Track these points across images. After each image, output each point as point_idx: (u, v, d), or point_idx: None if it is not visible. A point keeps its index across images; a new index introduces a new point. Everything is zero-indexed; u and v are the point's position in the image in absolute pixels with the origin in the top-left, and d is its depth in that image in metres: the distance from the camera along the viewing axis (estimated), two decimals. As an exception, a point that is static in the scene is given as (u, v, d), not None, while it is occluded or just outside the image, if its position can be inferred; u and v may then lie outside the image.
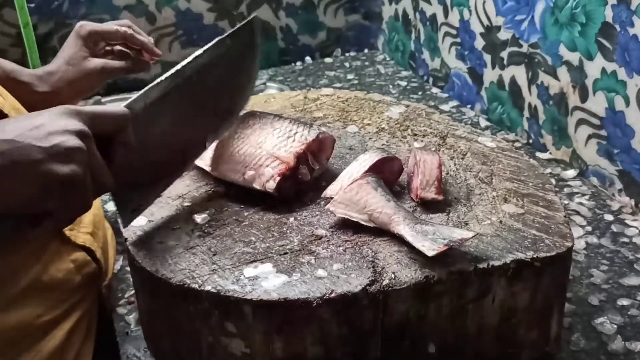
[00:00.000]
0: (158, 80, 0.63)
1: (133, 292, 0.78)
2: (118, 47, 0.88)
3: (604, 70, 1.00)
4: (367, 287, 0.58)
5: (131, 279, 0.80)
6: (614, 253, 0.90)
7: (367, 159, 0.71)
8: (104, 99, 1.38)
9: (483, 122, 1.31)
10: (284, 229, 0.67)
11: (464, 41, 1.37)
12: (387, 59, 1.72)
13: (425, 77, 1.56)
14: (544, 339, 0.68)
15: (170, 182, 0.71)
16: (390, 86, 1.53)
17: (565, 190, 1.06)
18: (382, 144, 0.85)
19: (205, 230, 0.67)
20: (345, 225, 0.66)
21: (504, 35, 1.23)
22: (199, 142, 0.73)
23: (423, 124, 0.90)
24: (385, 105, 0.96)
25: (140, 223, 0.69)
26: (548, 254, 0.62)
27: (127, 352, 0.73)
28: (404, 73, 1.61)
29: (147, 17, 1.59)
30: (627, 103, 0.97)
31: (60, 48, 0.86)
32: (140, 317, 0.75)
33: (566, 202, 1.02)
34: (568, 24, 1.06)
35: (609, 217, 0.98)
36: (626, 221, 0.97)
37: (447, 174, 0.77)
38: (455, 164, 0.79)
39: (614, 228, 0.95)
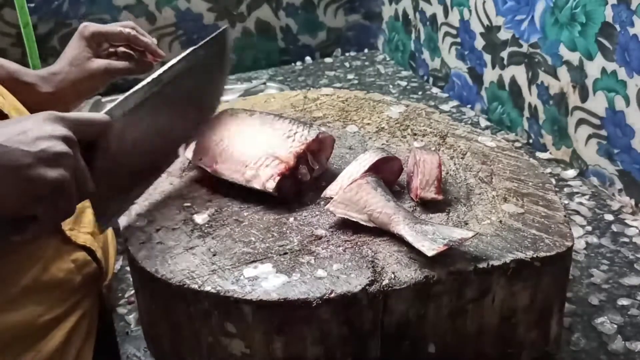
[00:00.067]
0: (136, 87, 0.65)
1: (133, 292, 0.78)
2: (121, 49, 0.88)
3: (604, 70, 1.00)
4: (367, 287, 0.58)
5: (131, 279, 0.80)
6: (614, 253, 0.90)
7: (367, 159, 0.71)
8: (104, 99, 1.38)
9: (483, 122, 1.31)
10: (284, 229, 0.67)
11: (464, 41, 1.37)
12: (387, 58, 1.72)
13: (425, 77, 1.56)
14: (544, 339, 0.67)
15: (144, 188, 0.72)
16: (390, 86, 1.53)
17: (565, 190, 1.06)
18: (382, 144, 0.85)
19: (205, 231, 0.67)
20: (345, 225, 0.66)
21: (504, 35, 1.23)
22: (172, 149, 0.74)
23: (423, 124, 0.90)
24: (385, 105, 0.96)
25: (140, 223, 0.69)
26: (548, 254, 0.62)
27: (127, 352, 0.73)
28: (404, 73, 1.61)
29: (147, 17, 1.59)
30: (627, 103, 0.97)
31: (60, 48, 0.86)
32: (140, 317, 0.75)
33: (566, 201, 1.02)
34: (568, 23, 1.06)
35: (609, 217, 0.98)
36: (626, 221, 0.97)
37: (447, 173, 0.77)
38: (455, 164, 0.79)
39: (614, 228, 0.95)
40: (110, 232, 0.85)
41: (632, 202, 1.00)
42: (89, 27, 0.85)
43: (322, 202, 0.70)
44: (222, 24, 1.66)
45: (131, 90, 0.64)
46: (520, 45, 1.19)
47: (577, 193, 1.05)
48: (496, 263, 0.61)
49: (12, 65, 0.82)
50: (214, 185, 0.75)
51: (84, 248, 0.70)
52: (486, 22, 1.27)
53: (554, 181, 1.08)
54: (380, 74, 1.61)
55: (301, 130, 0.73)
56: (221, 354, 0.62)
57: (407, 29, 1.60)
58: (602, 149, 1.04)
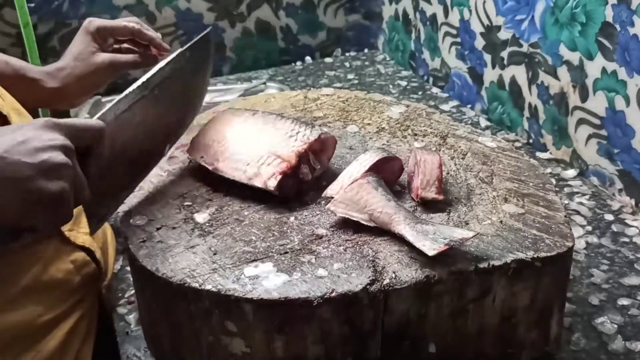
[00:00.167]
0: (126, 92, 0.65)
1: (133, 292, 0.78)
2: (126, 45, 0.88)
3: (604, 70, 1.00)
4: (368, 287, 0.58)
5: (131, 279, 0.80)
6: (614, 253, 0.90)
7: (368, 159, 0.71)
8: (104, 99, 1.38)
9: (483, 122, 1.31)
10: (285, 228, 0.67)
11: (464, 41, 1.37)
12: (387, 58, 1.72)
13: (426, 77, 1.56)
14: (544, 339, 0.68)
15: (134, 188, 0.72)
16: (391, 86, 1.53)
17: (566, 190, 1.06)
18: (383, 144, 0.85)
19: (206, 230, 0.67)
20: (346, 225, 0.66)
21: (504, 35, 1.23)
22: (158, 150, 0.75)
23: (423, 124, 0.90)
24: (386, 105, 0.96)
25: (140, 222, 0.69)
26: (548, 254, 0.62)
27: (127, 352, 0.73)
28: (404, 73, 1.61)
29: (147, 17, 1.59)
30: (628, 103, 0.97)
31: (60, 48, 0.86)
32: (140, 317, 0.75)
33: (566, 202, 1.02)
34: (568, 23, 1.06)
35: (609, 217, 0.98)
36: (626, 221, 0.97)
37: (448, 173, 0.77)
38: (455, 164, 0.79)
39: (614, 228, 0.95)
40: (110, 232, 0.85)
41: (632, 202, 1.00)
42: (93, 22, 0.85)
43: (323, 202, 0.70)
44: (222, 24, 1.66)
45: (122, 95, 0.65)
46: (521, 45, 1.19)
47: (577, 193, 1.05)
48: (497, 263, 0.61)
49: (17, 62, 0.82)
50: (214, 184, 0.75)
51: (83, 249, 0.70)
52: (486, 22, 1.27)
53: (554, 181, 1.08)
54: (381, 74, 1.61)
55: (303, 130, 0.73)
56: (221, 353, 0.62)
57: (407, 28, 1.60)
58: (602, 149, 1.04)
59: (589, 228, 0.96)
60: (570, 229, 0.67)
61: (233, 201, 0.72)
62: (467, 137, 0.86)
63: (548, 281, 0.64)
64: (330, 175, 0.74)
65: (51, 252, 0.66)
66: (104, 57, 0.84)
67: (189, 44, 0.76)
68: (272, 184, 0.69)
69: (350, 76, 1.60)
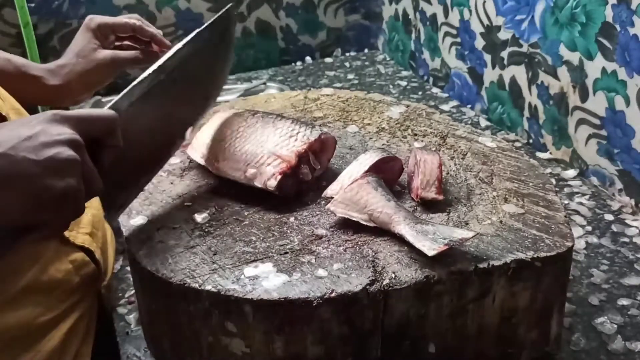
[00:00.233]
0: (141, 77, 0.62)
1: (133, 292, 0.78)
2: (127, 42, 0.88)
3: (604, 70, 1.00)
4: (368, 287, 0.58)
5: (131, 279, 0.79)
6: (614, 253, 0.90)
7: (368, 159, 0.71)
8: (104, 99, 1.38)
9: (483, 122, 1.31)
10: (285, 228, 0.67)
11: (464, 41, 1.37)
12: (387, 59, 1.72)
13: (426, 77, 1.56)
14: (544, 339, 0.67)
15: (152, 175, 0.70)
16: (391, 86, 1.53)
17: (566, 190, 1.06)
18: (383, 144, 0.85)
19: (206, 230, 0.67)
20: (346, 225, 0.66)
21: (504, 35, 1.23)
22: (178, 134, 0.73)
23: (423, 124, 0.90)
24: (386, 105, 0.96)
25: (140, 222, 0.69)
26: (548, 254, 0.62)
27: (127, 352, 0.73)
28: (404, 73, 1.61)
29: (147, 17, 1.58)
30: (627, 103, 0.97)
31: (60, 48, 0.86)
32: (140, 317, 0.75)
33: (566, 202, 1.02)
34: (568, 23, 1.06)
35: (609, 217, 0.98)
36: (626, 221, 0.97)
37: (448, 173, 0.77)
38: (455, 164, 0.79)
39: (614, 228, 0.95)
40: (110, 232, 0.85)
41: (632, 202, 1.00)
42: (95, 19, 0.85)
43: (323, 202, 0.70)
44: (222, 24, 1.66)
45: (136, 81, 0.62)
46: (520, 45, 1.19)
47: (577, 193, 1.05)
48: (497, 263, 0.61)
49: (19, 59, 0.82)
50: (214, 184, 0.75)
51: (82, 249, 0.70)
52: (486, 22, 1.27)
53: (554, 181, 1.08)
54: (381, 74, 1.61)
55: (303, 130, 0.73)
56: (221, 354, 0.62)
57: (407, 29, 1.60)
58: (602, 149, 1.04)
59: (589, 228, 0.96)
60: (570, 229, 0.67)
61: (233, 201, 0.72)
62: (467, 137, 0.86)
63: (548, 281, 0.64)
64: (330, 176, 0.74)
65: (50, 252, 0.66)
66: (105, 53, 0.84)
67: (207, 23, 0.72)
68: (272, 184, 0.69)
69: (350, 76, 1.60)
